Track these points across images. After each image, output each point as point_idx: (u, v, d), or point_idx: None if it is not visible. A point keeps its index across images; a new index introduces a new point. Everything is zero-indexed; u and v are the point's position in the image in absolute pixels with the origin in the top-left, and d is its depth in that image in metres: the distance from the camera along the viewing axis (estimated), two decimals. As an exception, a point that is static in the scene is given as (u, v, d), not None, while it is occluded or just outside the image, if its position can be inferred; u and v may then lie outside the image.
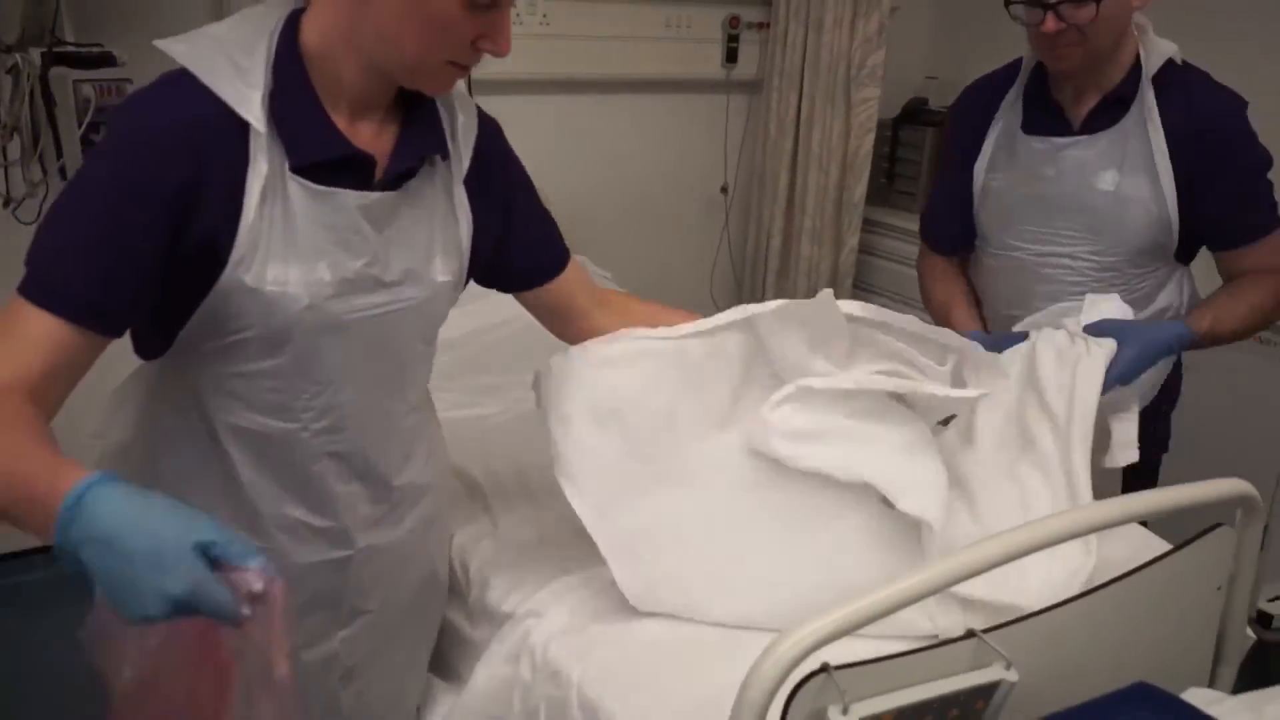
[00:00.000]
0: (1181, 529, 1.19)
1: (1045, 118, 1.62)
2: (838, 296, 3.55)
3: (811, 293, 3.17)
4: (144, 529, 0.72)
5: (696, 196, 3.39)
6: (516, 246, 1.19)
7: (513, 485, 1.51)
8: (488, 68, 2.90)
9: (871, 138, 3.08)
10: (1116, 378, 1.40)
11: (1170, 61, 1.54)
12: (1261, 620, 2.40)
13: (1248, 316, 1.58)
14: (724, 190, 3.39)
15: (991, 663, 0.95)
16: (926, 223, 1.88)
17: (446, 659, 1.33)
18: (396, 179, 1.02)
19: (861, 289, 3.29)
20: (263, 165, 0.92)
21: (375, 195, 1.00)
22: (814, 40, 3.04)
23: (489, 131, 1.14)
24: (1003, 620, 0.99)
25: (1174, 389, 1.76)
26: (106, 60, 2.18)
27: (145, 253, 0.91)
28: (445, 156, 1.07)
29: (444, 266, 1.08)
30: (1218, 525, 1.18)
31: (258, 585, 0.75)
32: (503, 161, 1.17)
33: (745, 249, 3.44)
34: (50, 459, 0.78)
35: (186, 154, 0.90)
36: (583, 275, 1.29)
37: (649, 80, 3.14)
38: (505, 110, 2.94)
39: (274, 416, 1.03)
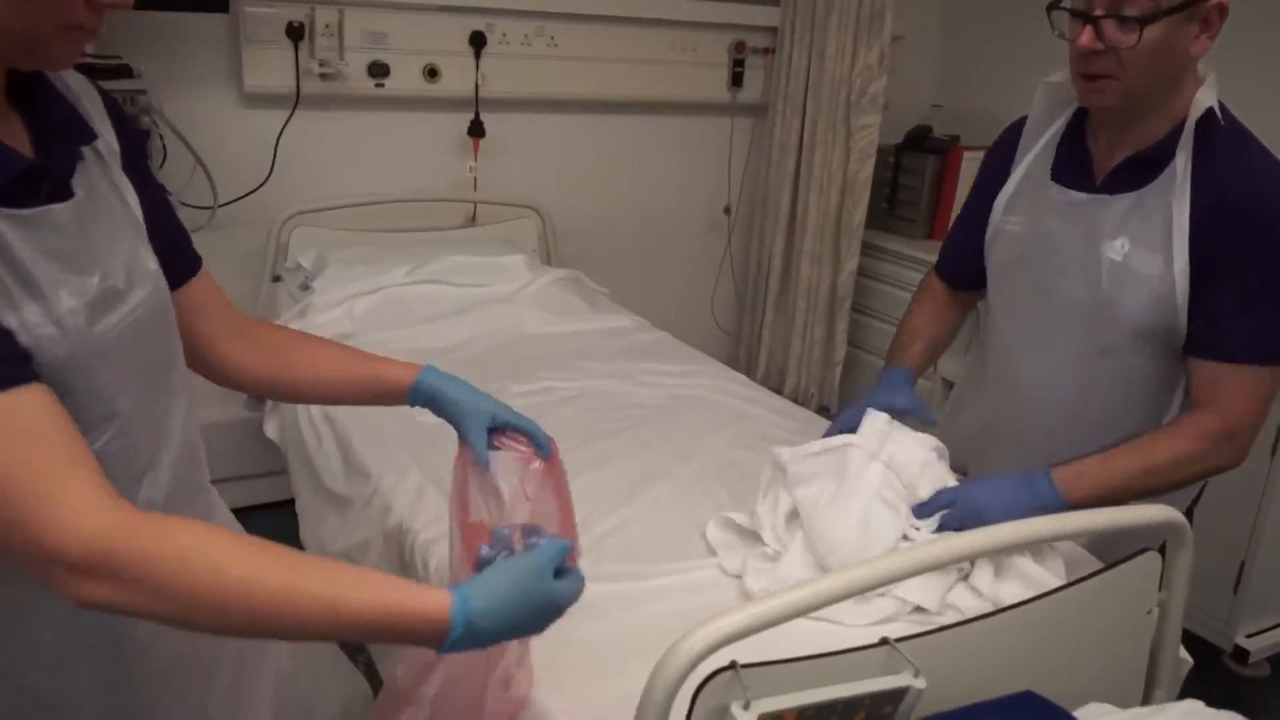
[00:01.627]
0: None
1: (1073, 167, 1.45)
2: (835, 319, 3.60)
3: (810, 313, 3.26)
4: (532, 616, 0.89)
5: (700, 217, 3.45)
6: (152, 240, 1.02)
7: (481, 488, 1.57)
8: (497, 86, 3.02)
9: (871, 163, 3.13)
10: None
11: (1211, 114, 1.31)
12: (1238, 656, 2.41)
13: (1139, 475, 1.35)
14: (727, 211, 3.45)
15: (901, 670, 1.00)
16: (942, 246, 1.76)
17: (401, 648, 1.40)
18: (64, 181, 0.89)
19: (860, 311, 3.34)
20: None
21: (73, 203, 0.88)
22: (817, 67, 3.10)
23: (119, 109, 1.02)
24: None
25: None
26: (124, 72, 2.27)
27: None
28: (90, 141, 0.94)
29: (148, 254, 0.98)
30: (1144, 550, 1.22)
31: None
32: (140, 141, 1.05)
33: (747, 269, 3.50)
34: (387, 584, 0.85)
35: None
36: (217, 302, 1.14)
37: (655, 102, 3.21)
38: (513, 128, 3.06)
39: None
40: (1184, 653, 1.34)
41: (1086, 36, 1.28)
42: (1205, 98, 1.32)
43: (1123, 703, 1.14)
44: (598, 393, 2.01)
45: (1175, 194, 1.32)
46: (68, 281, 0.85)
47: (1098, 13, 1.27)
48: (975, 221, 1.60)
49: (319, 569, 0.83)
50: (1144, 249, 1.35)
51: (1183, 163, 1.32)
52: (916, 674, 0.99)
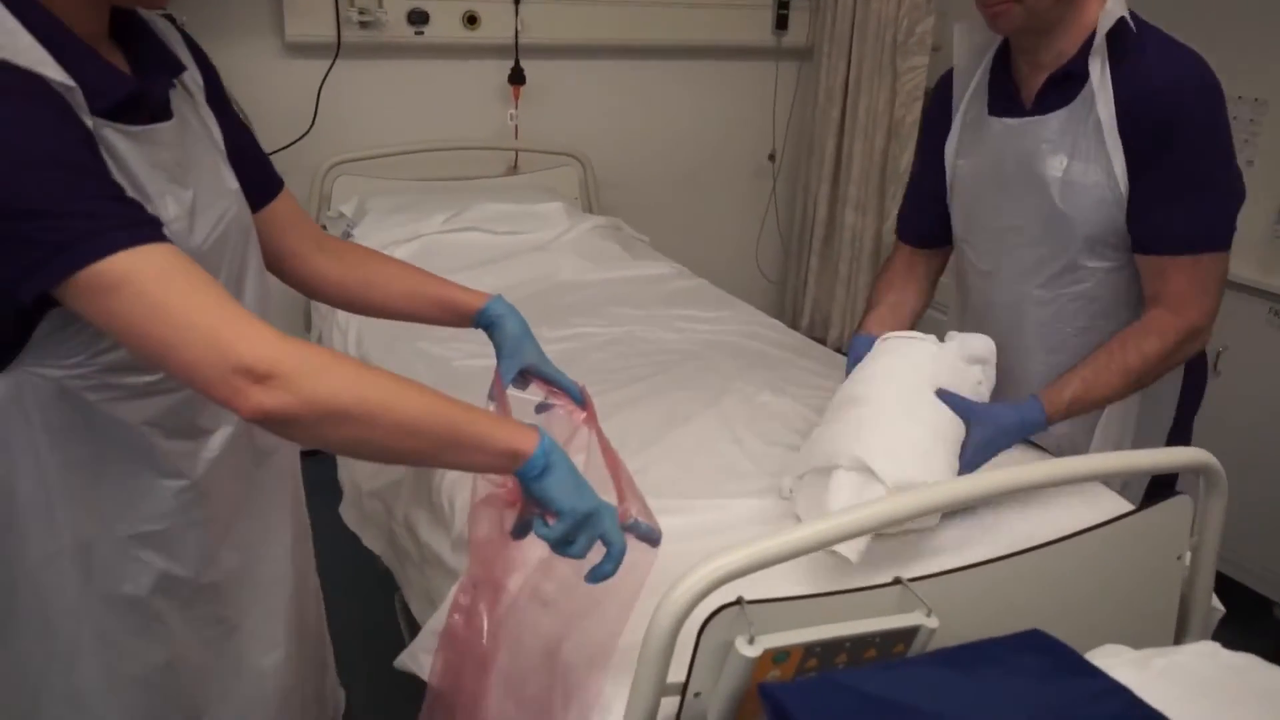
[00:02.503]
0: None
1: (1005, 96, 1.49)
2: (877, 267, 3.52)
3: (854, 262, 3.21)
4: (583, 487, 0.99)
5: (744, 164, 3.41)
6: (236, 164, 1.14)
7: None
8: (537, 32, 3.00)
9: (919, 106, 3.05)
10: (965, 467, 1.31)
11: (1124, 23, 1.34)
12: (1291, 607, 2.35)
13: (1120, 384, 1.40)
14: (771, 158, 3.40)
15: (914, 609, 0.99)
16: (899, 213, 1.77)
17: (430, 584, 1.42)
18: (164, 104, 1.00)
19: (906, 260, 3.28)
20: (88, 120, 0.87)
21: (172, 123, 1.00)
22: (863, 7, 3.02)
23: (198, 47, 1.13)
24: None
25: (1194, 396, 1.59)
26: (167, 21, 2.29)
27: None
28: (179, 73, 1.05)
29: (230, 176, 1.09)
30: (1175, 493, 1.19)
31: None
32: (217, 76, 1.15)
33: (792, 217, 3.45)
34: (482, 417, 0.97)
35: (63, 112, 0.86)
36: (299, 218, 1.25)
37: (698, 47, 3.15)
38: (555, 74, 3.03)
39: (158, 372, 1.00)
40: (1216, 601, 1.31)
41: None
42: (1114, 7, 1.34)
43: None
44: (630, 338, 2.01)
45: (1099, 102, 1.36)
46: (172, 191, 0.96)
47: None
48: (928, 176, 1.62)
49: (448, 397, 0.95)
50: (1081, 161, 1.39)
51: (1098, 71, 1.35)
52: (929, 613, 0.98)
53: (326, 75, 2.69)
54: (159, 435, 1.04)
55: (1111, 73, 1.35)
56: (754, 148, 3.38)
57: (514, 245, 2.46)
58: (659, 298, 2.28)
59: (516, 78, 2.90)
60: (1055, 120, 1.41)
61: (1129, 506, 1.39)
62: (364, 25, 2.67)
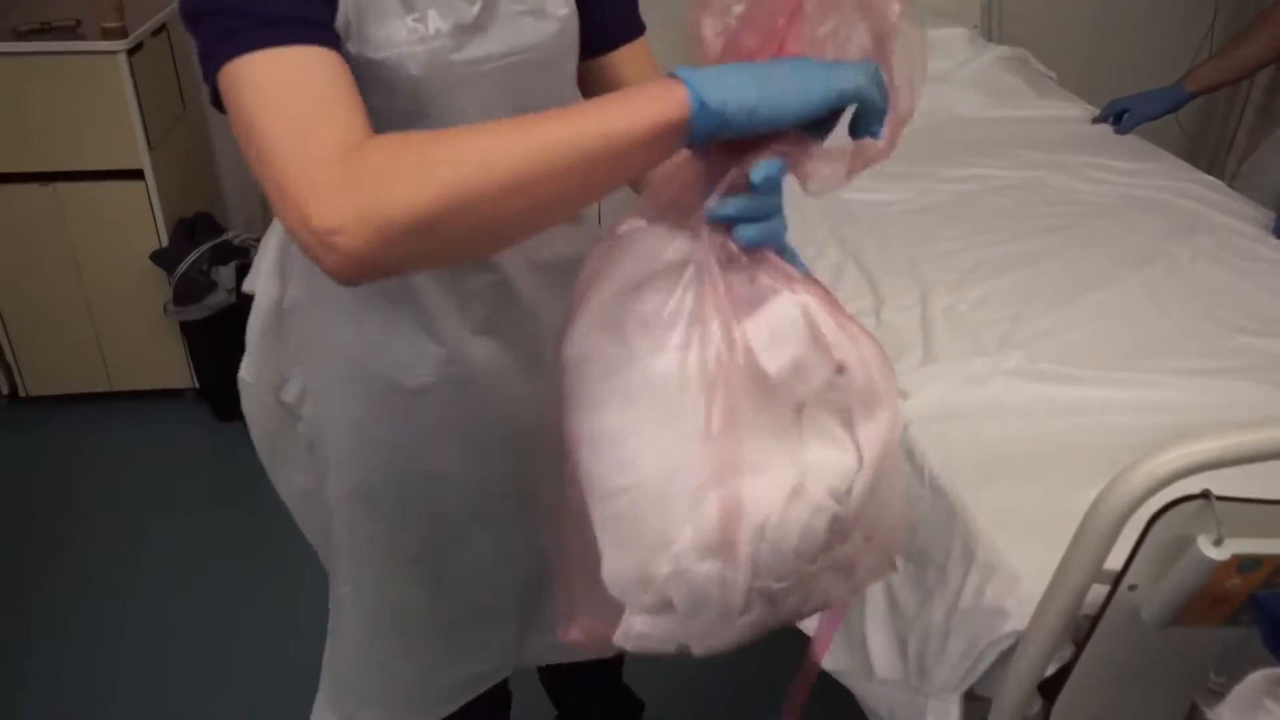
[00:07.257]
0: None
1: None
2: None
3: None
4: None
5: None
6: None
7: (902, 270, 1.50)
8: None
9: None
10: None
11: None
12: None
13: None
14: (1217, -15, 2.88)
15: None
16: None
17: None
18: None
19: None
20: None
21: None
22: None
23: None
24: None
25: None
26: None
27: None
28: None
29: (559, 2, 0.89)
30: None
31: None
32: None
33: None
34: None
35: None
36: (648, 69, 0.98)
37: None
38: None
39: None
40: None
41: None
42: None
43: None
44: (1036, 184, 1.82)
45: None
46: (439, 3, 0.81)
47: None
48: None
49: (542, 116, 0.68)
50: None
51: None
52: None
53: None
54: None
55: None
56: (1196, -30, 2.88)
57: (909, 73, 2.28)
58: (1068, 142, 2.04)
59: (922, -117, 2.61)
60: None
61: None
62: None
